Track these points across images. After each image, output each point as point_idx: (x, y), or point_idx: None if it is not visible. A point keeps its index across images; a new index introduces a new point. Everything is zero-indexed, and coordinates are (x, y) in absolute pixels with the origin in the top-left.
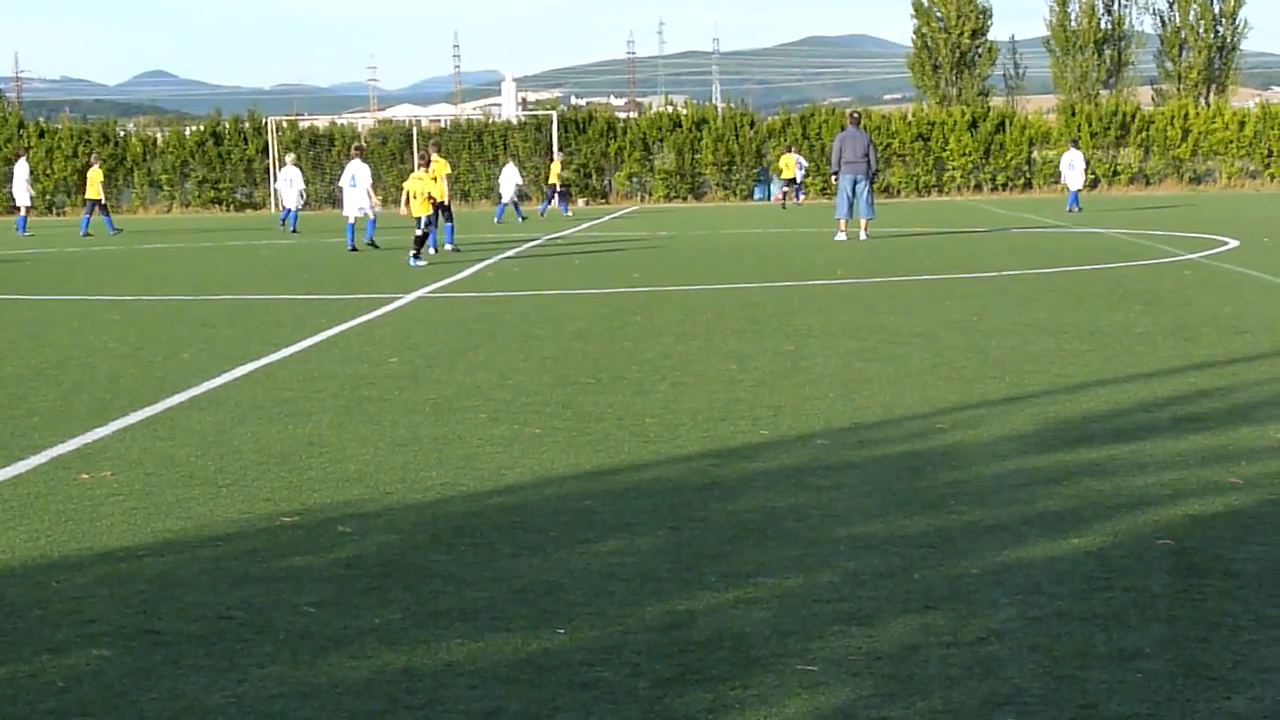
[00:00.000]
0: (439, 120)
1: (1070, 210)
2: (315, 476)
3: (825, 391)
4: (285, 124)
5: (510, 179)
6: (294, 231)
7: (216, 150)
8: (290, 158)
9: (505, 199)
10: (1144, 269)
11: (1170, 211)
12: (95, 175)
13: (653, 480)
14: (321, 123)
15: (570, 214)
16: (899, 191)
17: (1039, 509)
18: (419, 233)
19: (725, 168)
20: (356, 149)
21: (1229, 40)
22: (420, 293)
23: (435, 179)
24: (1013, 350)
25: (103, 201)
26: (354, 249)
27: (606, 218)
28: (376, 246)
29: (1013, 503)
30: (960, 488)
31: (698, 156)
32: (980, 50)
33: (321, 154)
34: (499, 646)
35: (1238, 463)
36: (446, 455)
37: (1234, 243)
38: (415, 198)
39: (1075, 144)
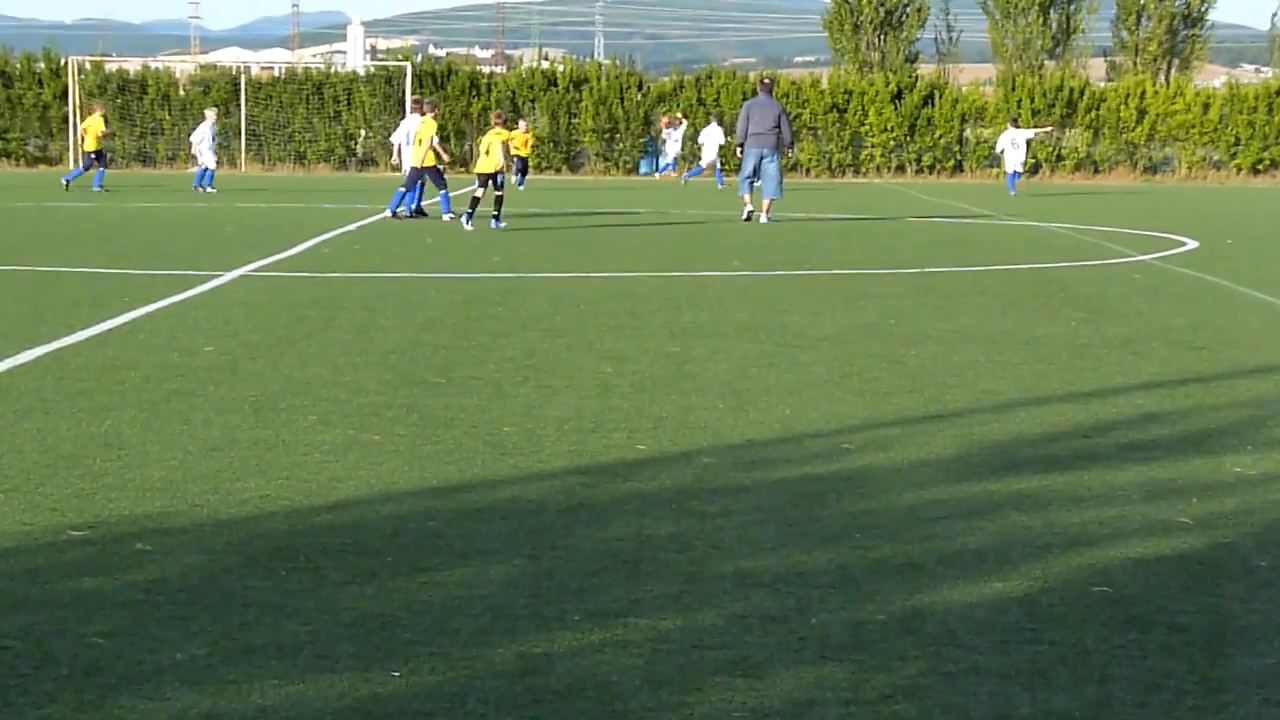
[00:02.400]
0: (272, 68)
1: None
2: (111, 484)
3: (714, 401)
4: (89, 65)
5: (714, 139)
6: (209, 191)
7: (5, 94)
8: (211, 112)
9: (705, 160)
10: (1088, 270)
11: (1121, 204)
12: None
13: (509, 500)
14: (133, 65)
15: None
16: (809, 171)
17: (958, 547)
18: (479, 192)
19: (607, 136)
20: (415, 102)
21: (1194, 9)
22: (243, 270)
23: (420, 140)
24: (934, 360)
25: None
26: (395, 215)
27: (465, 189)
28: (423, 214)
29: (928, 538)
30: (867, 519)
31: (575, 121)
32: (908, 9)
33: (131, 102)
34: (322, 690)
35: (1188, 499)
36: (268, 463)
37: (1192, 243)
38: (487, 154)
39: (1015, 122)
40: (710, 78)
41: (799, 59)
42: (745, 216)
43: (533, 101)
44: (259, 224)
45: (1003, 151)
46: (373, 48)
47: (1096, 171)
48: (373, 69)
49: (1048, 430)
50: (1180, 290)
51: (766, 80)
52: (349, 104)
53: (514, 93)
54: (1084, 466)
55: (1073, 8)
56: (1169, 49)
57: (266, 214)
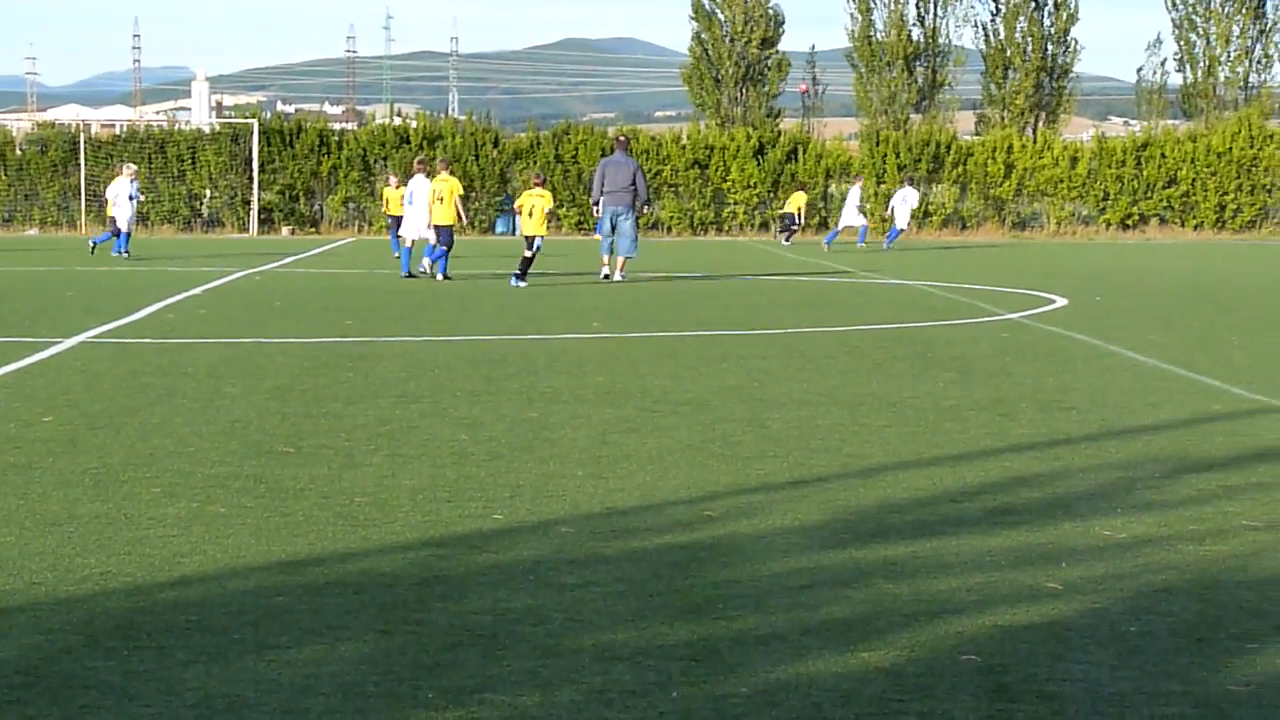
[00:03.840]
0: (113, 125)
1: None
2: None
3: (573, 469)
4: None
5: (854, 199)
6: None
7: None
8: (129, 169)
9: (856, 221)
10: (956, 329)
11: (989, 261)
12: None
13: (361, 573)
14: None
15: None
16: (671, 229)
17: (823, 616)
18: (528, 254)
19: (463, 195)
20: (419, 164)
21: (1061, 61)
22: (83, 337)
23: (441, 199)
24: (799, 424)
25: None
26: (410, 274)
27: (315, 251)
28: (448, 278)
29: (792, 608)
30: (731, 589)
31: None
32: (770, 63)
33: None
34: None
35: (1057, 564)
36: (109, 538)
37: (1061, 301)
38: (530, 216)
39: (911, 181)
40: (568, 133)
41: (659, 113)
42: (603, 276)
43: (384, 160)
44: (100, 287)
45: (891, 209)
46: (218, 104)
47: (964, 227)
48: (218, 126)
49: (915, 495)
50: (1049, 349)
51: (622, 138)
52: (194, 163)
53: (365, 150)
54: (952, 532)
55: (939, 61)
56: (1036, 102)
57: (108, 277)
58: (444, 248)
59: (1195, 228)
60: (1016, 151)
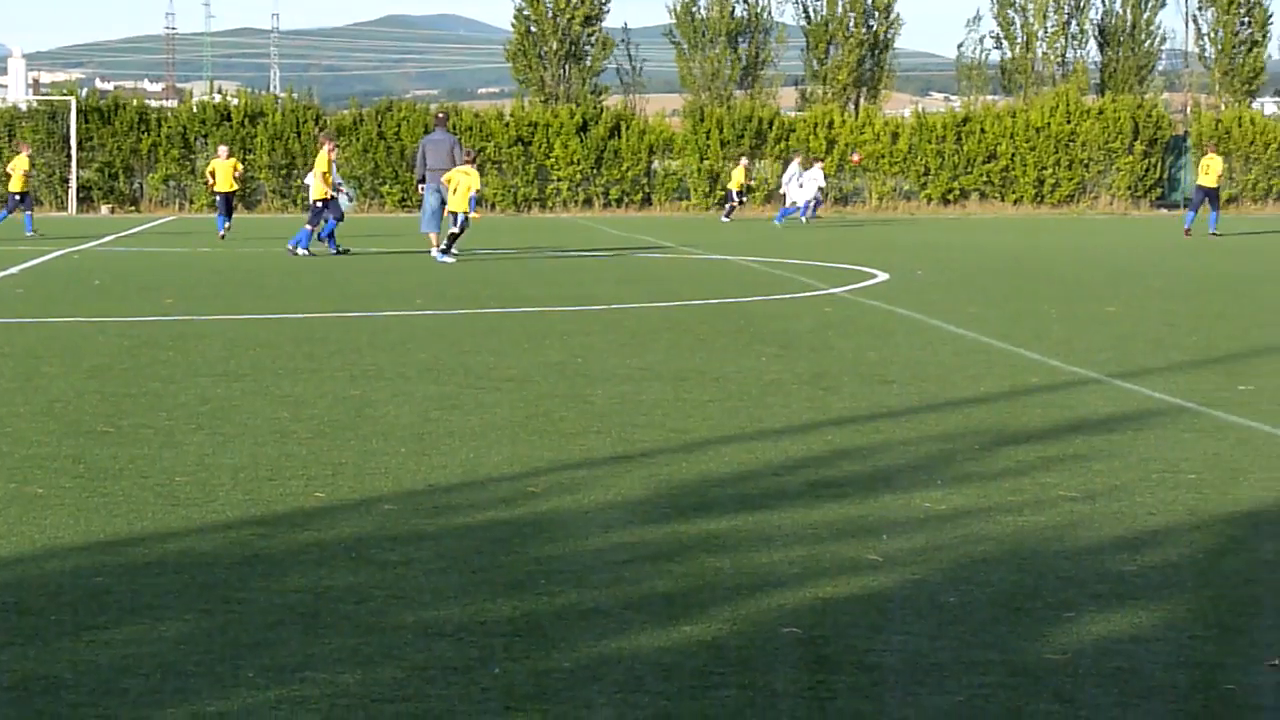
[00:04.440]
0: None
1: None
2: None
3: (396, 446)
4: None
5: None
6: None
7: None
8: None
9: (803, 199)
10: (779, 304)
11: (812, 236)
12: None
13: (181, 553)
14: None
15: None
16: (495, 206)
17: (646, 590)
18: (454, 229)
19: (284, 172)
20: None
21: (882, 37)
22: None
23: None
24: (622, 399)
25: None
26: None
27: (135, 230)
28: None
29: (615, 583)
30: (553, 564)
31: (251, 157)
32: (593, 40)
33: None
34: None
35: (878, 537)
36: None
37: (883, 276)
38: (454, 192)
39: (819, 161)
40: (390, 110)
41: (483, 90)
42: (436, 254)
43: (205, 137)
44: None
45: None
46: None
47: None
48: (35, 104)
49: (737, 469)
50: (871, 324)
51: (441, 115)
52: (10, 140)
53: (185, 128)
54: (774, 505)
55: (761, 37)
56: (858, 77)
57: None
58: (333, 221)
59: (1015, 202)
60: (838, 127)
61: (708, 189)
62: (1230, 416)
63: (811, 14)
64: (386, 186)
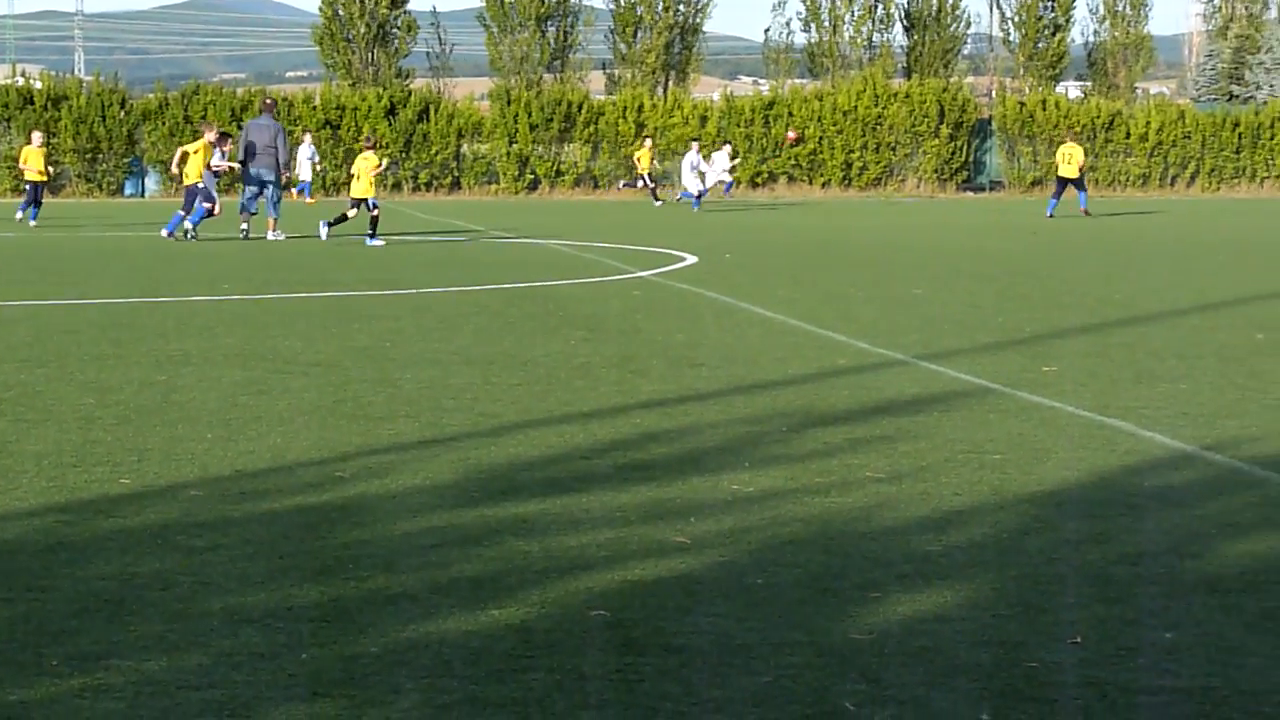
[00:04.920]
0: None
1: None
2: None
3: (203, 432)
4: None
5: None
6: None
7: None
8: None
9: (696, 188)
10: (587, 287)
11: (622, 220)
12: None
13: None
14: None
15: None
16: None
17: (454, 575)
18: (373, 213)
19: (89, 156)
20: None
21: (690, 21)
22: None
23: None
24: (430, 384)
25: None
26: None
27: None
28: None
29: (423, 567)
30: (361, 549)
31: (55, 141)
32: (400, 23)
33: None
34: None
35: (686, 519)
36: None
37: (692, 259)
38: (358, 179)
39: (730, 143)
40: (197, 93)
41: (291, 73)
42: (244, 235)
43: (8, 121)
44: None
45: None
46: None
47: (596, 186)
48: None
49: (546, 452)
50: (679, 306)
51: (268, 101)
52: None
53: None
54: (583, 488)
55: (569, 21)
56: (667, 61)
57: None
58: (205, 206)
59: (823, 185)
60: (647, 111)
61: (516, 173)
62: (1034, 397)
63: None
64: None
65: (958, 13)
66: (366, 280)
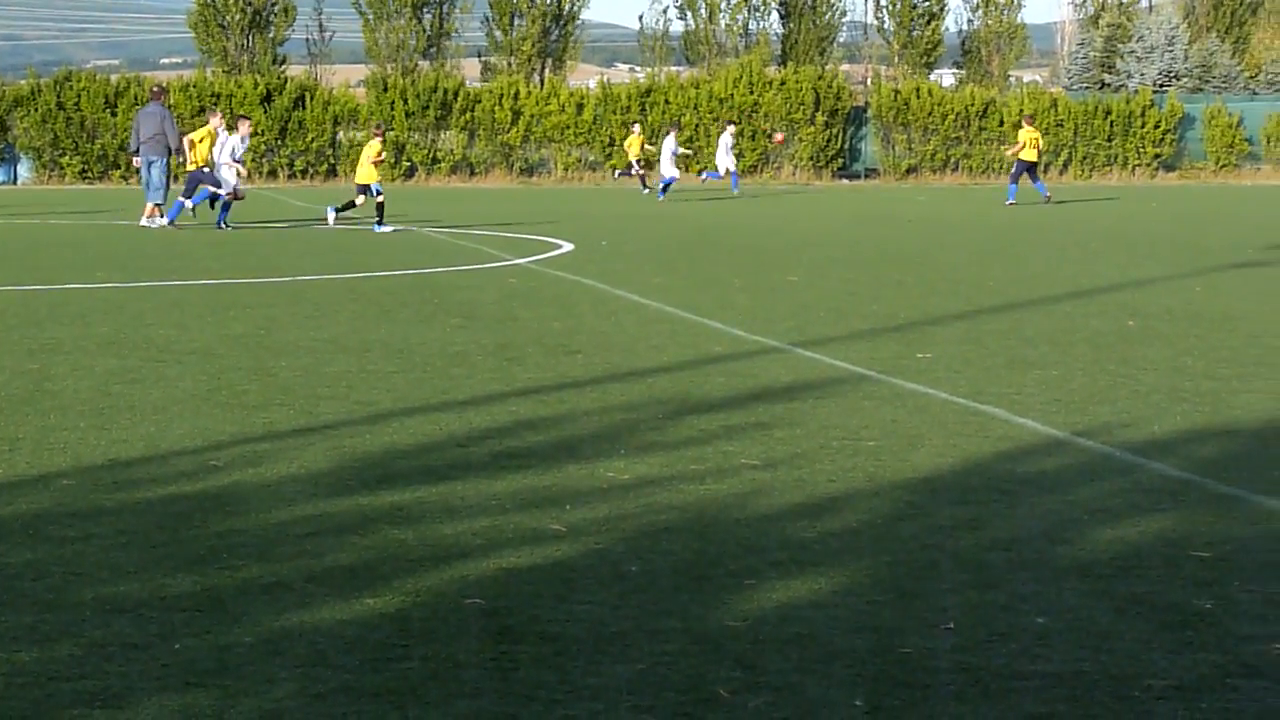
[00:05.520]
0: None
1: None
2: None
3: (75, 421)
4: None
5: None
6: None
7: None
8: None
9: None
10: (464, 275)
11: (498, 207)
12: None
13: None
14: None
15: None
16: (178, 178)
17: (328, 563)
18: (378, 200)
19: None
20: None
21: (566, 8)
22: None
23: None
24: (306, 372)
25: None
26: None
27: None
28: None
29: (297, 556)
30: (235, 538)
31: None
32: (275, 9)
33: None
34: None
35: (562, 507)
36: None
37: (568, 246)
38: (361, 165)
39: (732, 123)
40: (70, 80)
41: (165, 60)
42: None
43: None
44: None
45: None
46: None
47: (473, 174)
48: None
49: (422, 440)
50: (556, 294)
51: (156, 88)
52: None
53: None
54: (458, 476)
55: (445, 8)
56: (543, 49)
57: None
58: (210, 190)
59: (699, 173)
60: (524, 98)
61: (393, 160)
62: (909, 384)
63: None
64: (66, 158)
65: (833, 2)
66: (241, 267)
